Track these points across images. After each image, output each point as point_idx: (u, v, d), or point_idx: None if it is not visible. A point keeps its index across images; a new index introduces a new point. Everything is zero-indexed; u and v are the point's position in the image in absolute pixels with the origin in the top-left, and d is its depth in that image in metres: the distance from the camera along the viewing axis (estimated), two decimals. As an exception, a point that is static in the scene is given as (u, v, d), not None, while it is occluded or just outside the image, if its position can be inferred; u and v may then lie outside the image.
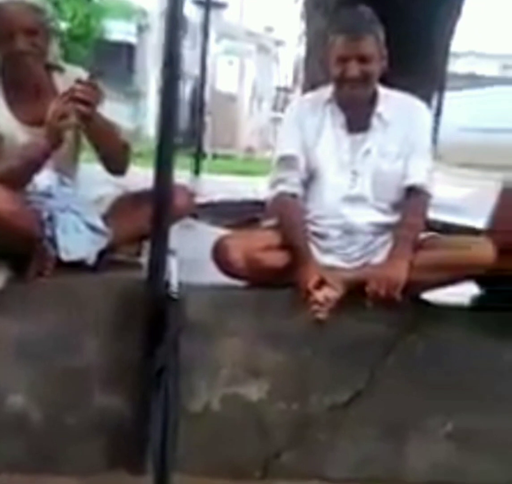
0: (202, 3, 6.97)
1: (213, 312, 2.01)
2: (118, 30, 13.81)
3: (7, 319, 1.91)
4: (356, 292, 1.93)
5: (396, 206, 2.06)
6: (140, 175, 2.10)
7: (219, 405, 2.01)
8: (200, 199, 4.62)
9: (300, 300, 1.91)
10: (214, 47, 13.27)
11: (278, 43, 14.54)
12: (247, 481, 1.99)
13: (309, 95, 2.23)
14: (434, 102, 5.02)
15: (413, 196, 2.03)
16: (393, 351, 2.03)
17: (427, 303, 2.08)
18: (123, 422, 1.96)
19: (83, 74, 2.03)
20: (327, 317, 1.88)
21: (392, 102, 2.05)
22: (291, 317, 1.98)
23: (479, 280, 2.10)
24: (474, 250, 1.93)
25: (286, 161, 2.05)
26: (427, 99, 3.18)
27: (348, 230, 2.04)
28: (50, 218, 1.97)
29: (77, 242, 1.97)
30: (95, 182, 2.27)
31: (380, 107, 2.03)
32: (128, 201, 2.13)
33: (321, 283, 1.88)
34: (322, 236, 2.06)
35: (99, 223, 2.03)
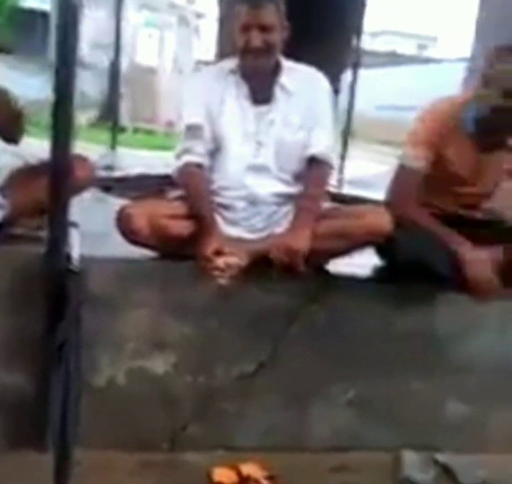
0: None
1: (117, 285, 1.97)
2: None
3: None
4: (260, 263, 1.95)
5: (298, 177, 2.08)
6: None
7: (124, 379, 2.00)
8: (116, 174, 4.56)
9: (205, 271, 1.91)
10: (134, 18, 12.93)
11: (199, 15, 14.31)
12: (154, 453, 1.99)
13: (213, 66, 2.24)
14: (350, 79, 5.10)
15: (314, 167, 2.06)
16: (296, 321, 2.06)
17: (328, 274, 2.12)
18: (25, 398, 1.92)
19: None
20: (229, 284, 1.89)
21: (294, 73, 2.07)
22: (196, 288, 1.98)
23: (380, 252, 2.15)
24: (371, 218, 1.98)
25: (192, 130, 2.04)
26: (335, 75, 3.22)
27: (252, 201, 2.05)
28: None
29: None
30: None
31: (283, 78, 2.05)
32: (27, 173, 2.06)
33: (221, 251, 1.88)
34: (227, 207, 2.07)
35: (-5, 196, 1.95)
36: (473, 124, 2.12)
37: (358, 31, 4.54)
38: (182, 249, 1.98)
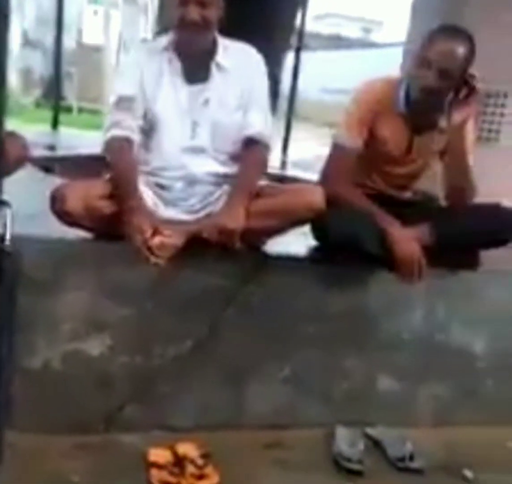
0: None
1: (52, 266, 1.94)
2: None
3: None
4: (196, 244, 1.94)
5: (235, 158, 2.08)
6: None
7: (60, 361, 1.97)
8: (57, 154, 4.48)
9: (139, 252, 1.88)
10: (78, -5, 12.60)
11: (147, -6, 14.06)
12: (89, 435, 1.98)
13: (148, 42, 2.21)
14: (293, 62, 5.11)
15: (250, 147, 2.05)
16: (233, 301, 2.08)
17: (264, 254, 2.14)
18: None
19: None
20: (164, 265, 1.87)
21: (231, 52, 2.05)
22: (132, 269, 1.96)
23: (314, 232, 2.19)
24: (306, 194, 2.00)
25: (122, 102, 2.00)
26: (275, 56, 3.23)
27: (190, 182, 2.05)
28: None
29: None
30: None
31: (219, 57, 2.03)
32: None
33: (155, 231, 1.85)
34: (164, 187, 2.06)
35: None
36: (406, 104, 2.17)
37: (295, 12, 4.51)
38: (117, 229, 1.94)
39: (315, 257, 2.23)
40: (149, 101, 2.02)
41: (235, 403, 2.16)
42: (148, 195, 2.02)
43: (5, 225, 1.81)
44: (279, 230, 2.07)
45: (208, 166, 2.06)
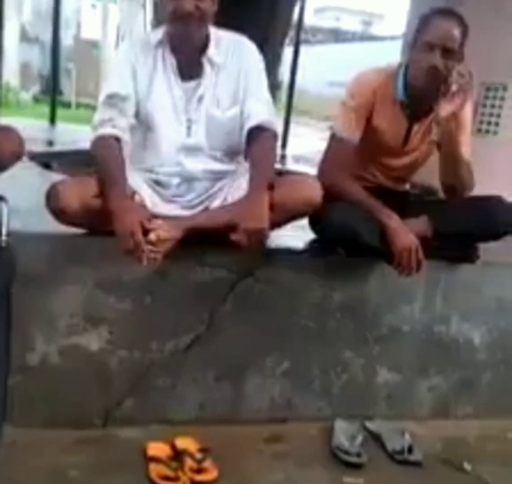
0: None
1: (49, 260, 1.94)
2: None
3: None
4: (194, 237, 1.92)
5: (231, 154, 2.07)
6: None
7: (57, 356, 1.97)
8: (54, 149, 4.48)
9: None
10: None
11: (145, -12, 14.02)
12: (88, 430, 1.98)
13: (141, 37, 2.12)
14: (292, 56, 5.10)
15: (257, 137, 1.97)
16: (231, 294, 2.07)
17: (263, 247, 2.12)
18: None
19: None
20: (161, 260, 1.83)
21: (223, 45, 2.01)
22: (130, 263, 1.91)
23: (313, 224, 2.18)
24: (301, 189, 1.97)
25: (114, 100, 1.95)
26: (273, 50, 3.22)
27: (186, 179, 2.03)
28: None
29: None
30: None
31: (211, 51, 1.99)
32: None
33: (147, 227, 1.81)
34: (162, 184, 2.05)
35: None
36: (403, 91, 2.16)
37: (301, 7, 4.51)
38: (113, 227, 1.87)
39: (314, 250, 2.22)
40: (142, 99, 1.98)
41: (234, 397, 2.16)
42: (145, 192, 2.01)
43: (0, 220, 1.81)
44: (276, 225, 2.02)
45: (204, 164, 2.04)
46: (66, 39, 12.39)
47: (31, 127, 4.82)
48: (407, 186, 2.42)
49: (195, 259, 2.02)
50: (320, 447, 2.08)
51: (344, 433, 2.10)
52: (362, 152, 2.18)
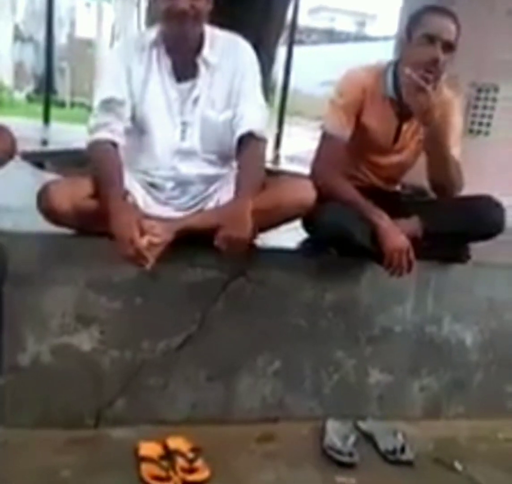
0: None
1: (40, 261, 1.94)
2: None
3: None
4: (185, 238, 1.93)
5: (225, 157, 2.06)
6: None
7: (49, 356, 1.97)
8: (48, 148, 4.47)
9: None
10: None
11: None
12: (80, 430, 1.98)
13: (135, 37, 2.10)
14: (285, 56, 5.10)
15: (246, 144, 1.97)
16: (223, 294, 2.07)
17: (255, 247, 2.11)
18: None
19: None
20: (155, 266, 1.83)
21: (218, 45, 1.98)
22: (121, 263, 1.90)
23: (305, 225, 2.18)
24: (294, 191, 1.98)
25: (110, 105, 1.94)
26: (267, 50, 3.22)
27: (181, 182, 2.03)
28: None
29: None
30: None
31: (206, 52, 1.96)
32: None
33: (142, 232, 1.82)
34: (156, 187, 2.04)
35: None
36: (393, 88, 2.16)
37: (295, 8, 4.51)
38: (104, 228, 1.86)
39: (306, 250, 2.22)
40: (137, 101, 1.97)
41: (226, 397, 2.16)
42: (139, 193, 2.01)
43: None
44: (270, 226, 2.03)
45: (198, 168, 2.02)
46: (60, 38, 12.37)
47: (24, 127, 4.81)
48: (398, 187, 2.43)
49: (186, 259, 2.02)
50: (312, 446, 2.09)
51: (336, 433, 2.11)
52: (353, 150, 2.18)
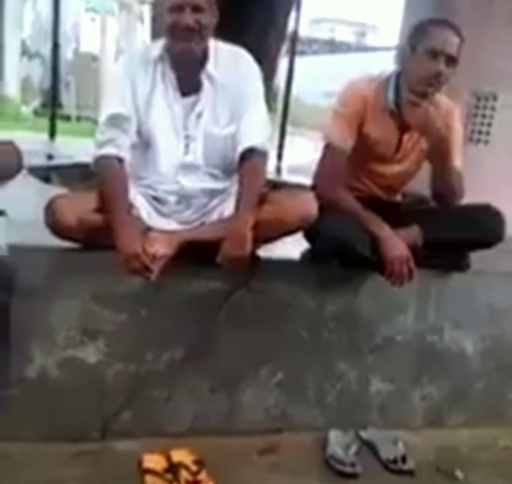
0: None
1: (47, 274, 1.96)
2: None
3: None
4: (189, 250, 1.95)
5: (229, 170, 2.07)
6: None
7: (55, 369, 1.99)
8: (53, 162, 4.51)
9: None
10: (75, 4, 12.65)
11: (142, 1, 14.12)
12: (85, 443, 2.00)
13: (139, 52, 2.12)
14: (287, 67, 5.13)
15: (248, 159, 1.98)
16: (226, 306, 2.09)
17: (257, 258, 2.13)
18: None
19: None
20: (159, 278, 1.87)
21: (221, 58, 1.99)
22: (126, 276, 1.95)
23: (307, 236, 2.18)
24: (296, 205, 1.99)
25: (117, 120, 1.96)
26: (269, 61, 3.24)
27: (184, 196, 2.05)
28: None
29: None
30: None
31: (210, 66, 1.97)
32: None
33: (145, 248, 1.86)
34: (159, 201, 2.07)
35: None
36: (394, 100, 2.17)
37: (296, 18, 4.54)
38: (110, 242, 1.90)
39: (308, 261, 2.24)
40: (142, 115, 1.99)
41: (229, 408, 2.18)
42: (143, 206, 2.03)
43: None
44: (271, 239, 2.05)
45: (202, 182, 2.04)
46: (66, 53, 12.48)
47: (30, 141, 4.85)
48: (399, 197, 2.45)
49: (190, 271, 2.04)
50: (314, 457, 2.10)
51: (339, 442, 2.12)
52: (354, 160, 2.20)
